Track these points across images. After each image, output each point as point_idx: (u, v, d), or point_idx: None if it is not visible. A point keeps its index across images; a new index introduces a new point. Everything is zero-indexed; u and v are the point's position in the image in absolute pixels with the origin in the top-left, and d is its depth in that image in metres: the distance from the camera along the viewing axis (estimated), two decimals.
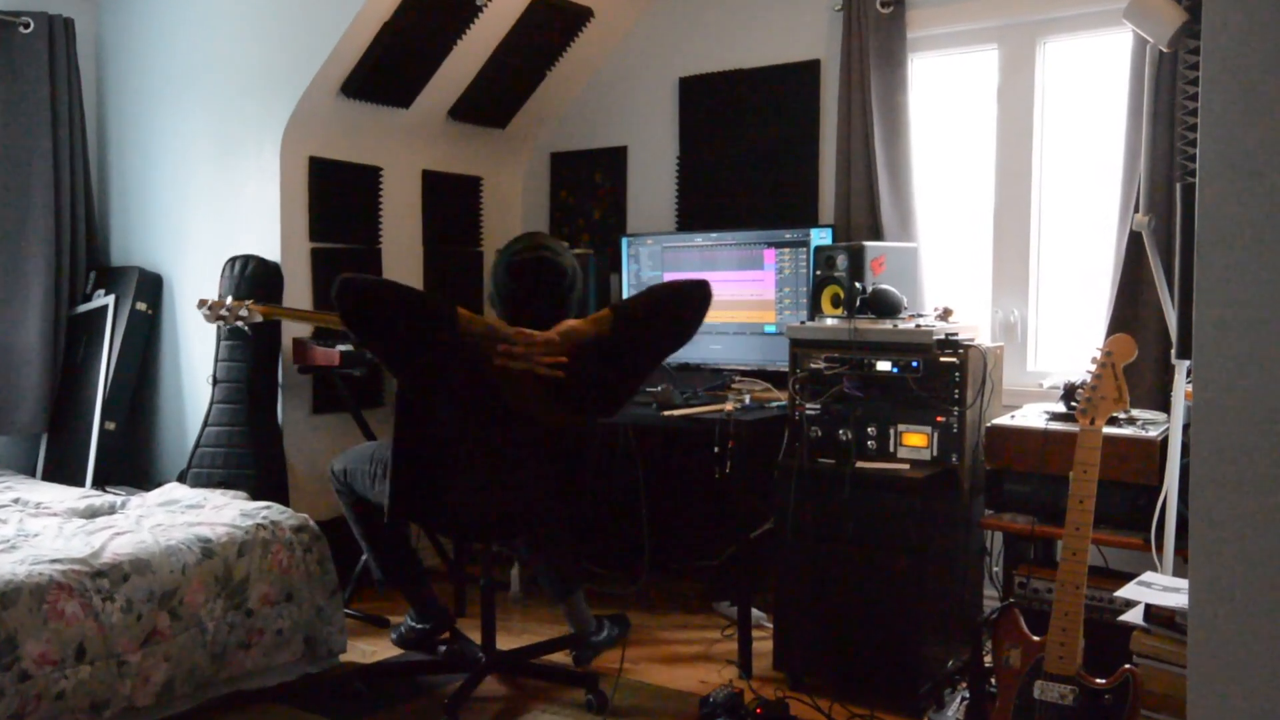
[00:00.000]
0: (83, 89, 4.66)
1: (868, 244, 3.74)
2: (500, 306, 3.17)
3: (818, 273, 3.80)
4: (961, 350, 3.32)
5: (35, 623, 2.76)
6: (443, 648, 3.71)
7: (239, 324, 3.98)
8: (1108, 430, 2.79)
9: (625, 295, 4.64)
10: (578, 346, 2.98)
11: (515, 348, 2.93)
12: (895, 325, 3.42)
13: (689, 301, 3.08)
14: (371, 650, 3.81)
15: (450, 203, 5.02)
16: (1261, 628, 1.29)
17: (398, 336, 2.90)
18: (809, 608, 3.39)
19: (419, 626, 3.58)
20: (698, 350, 4.46)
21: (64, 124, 4.52)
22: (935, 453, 3.35)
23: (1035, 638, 2.67)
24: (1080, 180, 4.00)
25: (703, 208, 4.76)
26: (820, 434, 3.49)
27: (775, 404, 3.84)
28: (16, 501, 3.71)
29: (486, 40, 4.57)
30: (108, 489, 4.17)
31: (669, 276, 4.50)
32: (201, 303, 3.98)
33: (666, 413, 3.75)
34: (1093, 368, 2.73)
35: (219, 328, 4.19)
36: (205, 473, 4.20)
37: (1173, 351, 2.85)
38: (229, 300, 3.96)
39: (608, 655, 3.69)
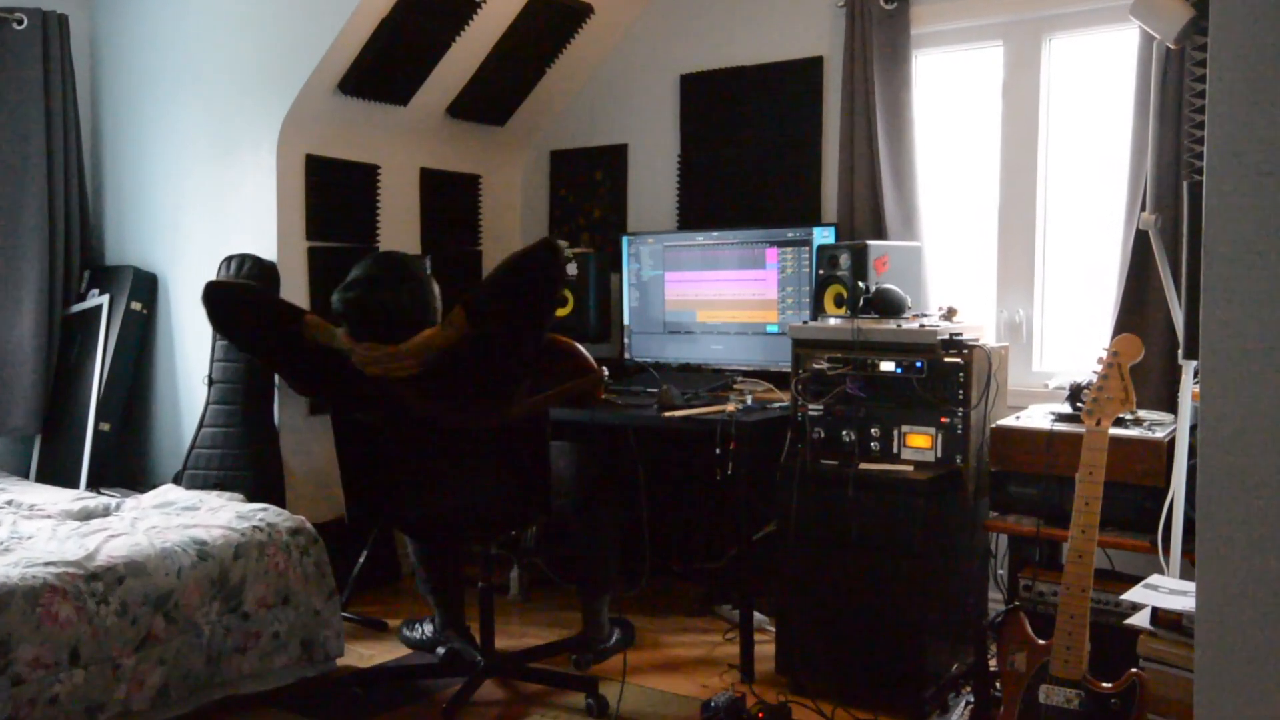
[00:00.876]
0: (77, 86, 4.66)
1: (871, 243, 3.74)
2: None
3: (820, 272, 3.80)
4: (966, 350, 3.32)
5: (29, 626, 2.76)
6: (440, 650, 3.71)
7: None
8: (1114, 431, 2.79)
9: (625, 294, 4.64)
10: (434, 354, 2.94)
11: (366, 360, 2.97)
12: (899, 325, 3.42)
13: (530, 268, 2.88)
14: (369, 654, 3.81)
15: (449, 201, 5.02)
16: (1271, 631, 1.29)
17: (252, 338, 3.17)
18: (812, 611, 3.39)
19: (433, 637, 3.69)
20: (699, 350, 4.46)
21: (58, 122, 4.52)
22: (939, 454, 3.35)
23: (1041, 641, 2.67)
24: (1086, 178, 4.00)
25: (704, 206, 4.76)
26: (823, 435, 3.49)
27: (777, 405, 3.84)
28: (10, 503, 3.71)
29: (485, 37, 4.57)
30: (102, 491, 4.18)
31: (670, 276, 4.51)
32: None
33: (667, 414, 3.75)
34: (1099, 368, 2.73)
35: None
36: (201, 474, 4.20)
37: (1179, 352, 2.85)
38: None
39: (607, 660, 3.69)
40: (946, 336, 3.34)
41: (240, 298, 3.17)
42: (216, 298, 3.08)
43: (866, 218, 4.15)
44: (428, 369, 2.95)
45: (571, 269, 4.63)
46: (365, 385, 3.00)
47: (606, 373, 3.34)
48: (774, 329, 4.25)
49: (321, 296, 4.41)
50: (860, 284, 3.58)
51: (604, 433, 4.34)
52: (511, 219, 5.36)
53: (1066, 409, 3.24)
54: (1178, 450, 2.88)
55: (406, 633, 3.90)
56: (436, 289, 3.20)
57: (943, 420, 3.34)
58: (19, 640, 2.73)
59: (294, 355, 3.10)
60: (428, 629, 3.85)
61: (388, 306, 2.99)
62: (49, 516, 3.54)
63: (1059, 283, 4.07)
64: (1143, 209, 3.57)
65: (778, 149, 4.55)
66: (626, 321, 4.68)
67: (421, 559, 3.76)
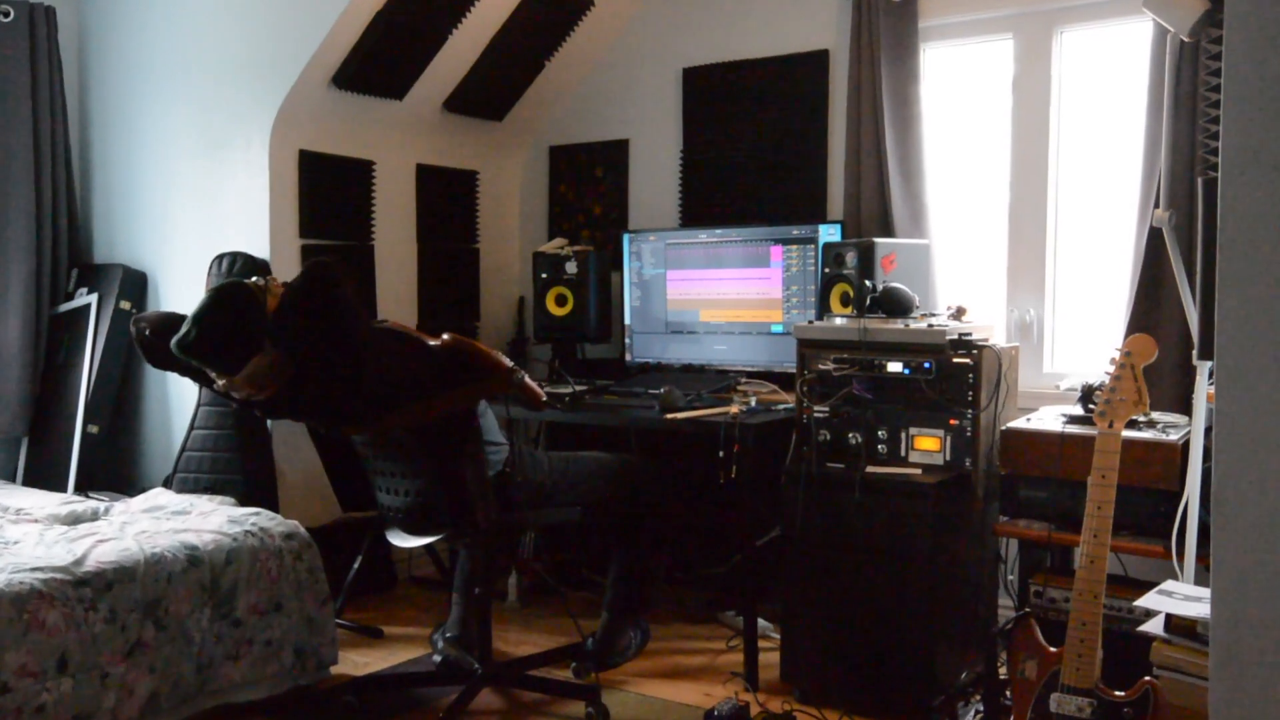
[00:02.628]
0: (65, 80, 4.66)
1: (878, 240, 3.75)
2: None
3: (826, 270, 3.80)
4: (975, 351, 3.32)
5: (15, 633, 2.76)
6: (437, 658, 3.72)
7: None
8: (1127, 434, 2.79)
9: (626, 293, 4.64)
10: (270, 377, 2.93)
11: (219, 387, 3.00)
12: (907, 325, 3.42)
13: (304, 296, 2.86)
14: (364, 662, 3.81)
15: (445, 198, 5.02)
16: None
17: (170, 367, 3.22)
18: (817, 618, 3.39)
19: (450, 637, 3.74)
20: (702, 351, 4.46)
21: (45, 116, 4.52)
22: (948, 457, 3.35)
23: (1052, 649, 2.67)
24: (1098, 174, 4.00)
25: (707, 203, 4.77)
26: (829, 437, 3.49)
27: (782, 406, 3.84)
28: None
29: (483, 29, 4.57)
30: (90, 494, 4.18)
31: (673, 274, 4.51)
32: None
33: (669, 415, 3.76)
34: (1111, 369, 2.73)
35: None
36: (192, 478, 4.20)
37: (1194, 352, 2.84)
38: None
39: (611, 667, 3.69)
40: (955, 336, 3.34)
41: (148, 327, 3.21)
42: (140, 342, 3.21)
43: (873, 215, 4.16)
44: (278, 391, 2.95)
45: (571, 268, 4.63)
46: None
47: (523, 374, 3.22)
48: (779, 329, 4.25)
49: None
50: (867, 283, 3.58)
51: (605, 435, 4.34)
52: (510, 216, 5.36)
53: (1078, 411, 3.24)
54: (1192, 453, 2.88)
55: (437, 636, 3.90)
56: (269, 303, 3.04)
57: (951, 422, 3.34)
58: (5, 648, 2.73)
59: (191, 376, 3.22)
60: (445, 635, 3.84)
61: (204, 345, 2.92)
62: (36, 521, 3.54)
63: (1070, 281, 4.07)
64: (1156, 206, 3.57)
65: (782, 144, 4.55)
66: (627, 321, 4.68)
67: (466, 557, 3.80)
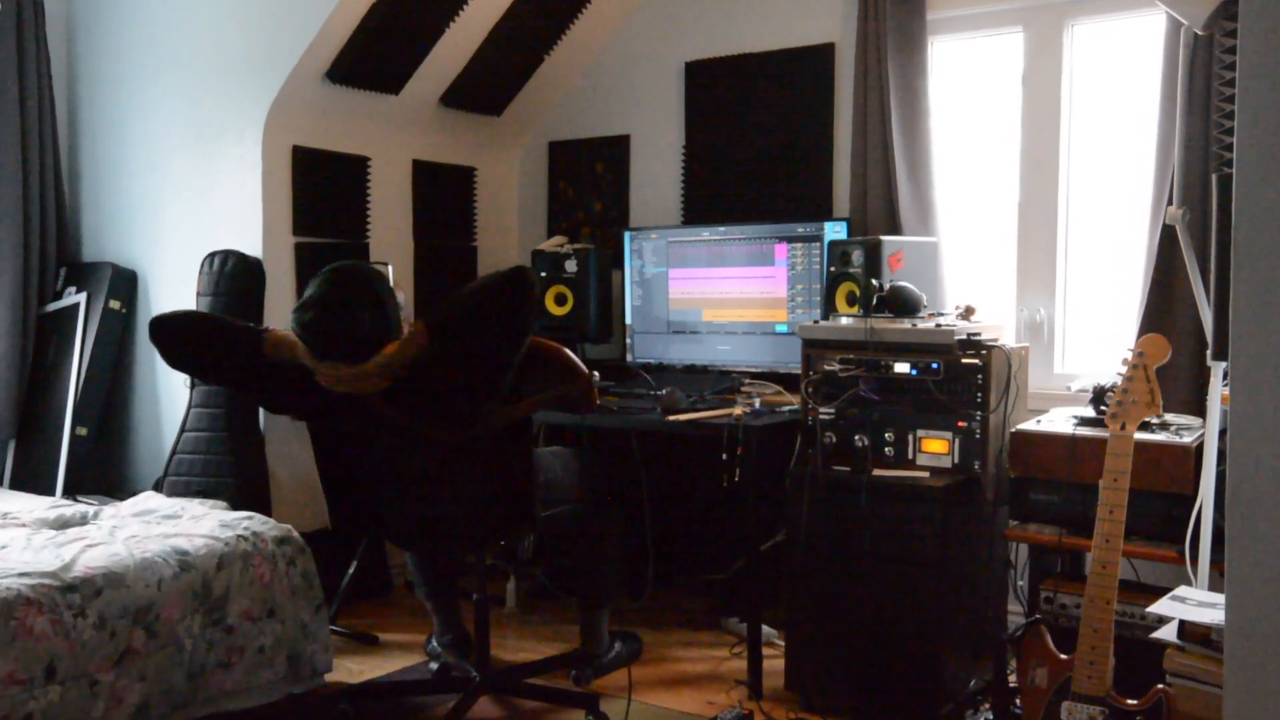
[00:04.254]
0: (53, 74, 4.66)
1: (885, 238, 3.75)
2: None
3: (832, 269, 3.80)
4: (984, 351, 3.32)
5: (2, 640, 2.76)
6: (434, 665, 3.72)
7: None
8: (1139, 436, 2.79)
9: (628, 293, 4.64)
10: (400, 369, 2.96)
11: (330, 379, 2.98)
12: (914, 325, 3.42)
13: (501, 296, 2.95)
14: (358, 669, 3.81)
15: (442, 195, 5.03)
16: None
17: (213, 366, 3.20)
18: (823, 624, 3.39)
19: (442, 648, 3.75)
20: (704, 351, 4.46)
21: (33, 111, 4.52)
22: (956, 460, 3.35)
23: (1063, 656, 2.67)
24: (1110, 171, 4.00)
25: (710, 200, 4.77)
26: (835, 440, 3.49)
27: (787, 408, 3.84)
28: None
29: (481, 22, 4.57)
30: (79, 498, 4.18)
31: (674, 273, 4.51)
32: None
33: (671, 417, 3.76)
34: (1123, 370, 2.73)
35: None
36: (183, 481, 4.21)
37: (1208, 352, 2.85)
38: None
39: (607, 675, 3.69)
40: (964, 336, 3.34)
41: (190, 328, 3.18)
42: (165, 334, 3.12)
43: (880, 212, 4.16)
44: (394, 384, 2.96)
45: (571, 266, 4.64)
46: (336, 399, 3.02)
47: (597, 376, 3.34)
48: (783, 329, 4.25)
49: None
50: (874, 282, 3.58)
51: (606, 437, 4.34)
52: (508, 213, 5.37)
53: (1090, 412, 3.24)
54: (1206, 456, 2.88)
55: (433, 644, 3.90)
56: (401, 297, 3.20)
57: (960, 424, 3.34)
58: None
59: (260, 378, 3.12)
60: (434, 643, 3.86)
61: (346, 330, 2.93)
62: (23, 525, 3.54)
63: (1082, 280, 4.07)
64: (1169, 203, 3.57)
65: (787, 140, 4.55)
66: (628, 321, 4.68)
67: (416, 564, 3.79)
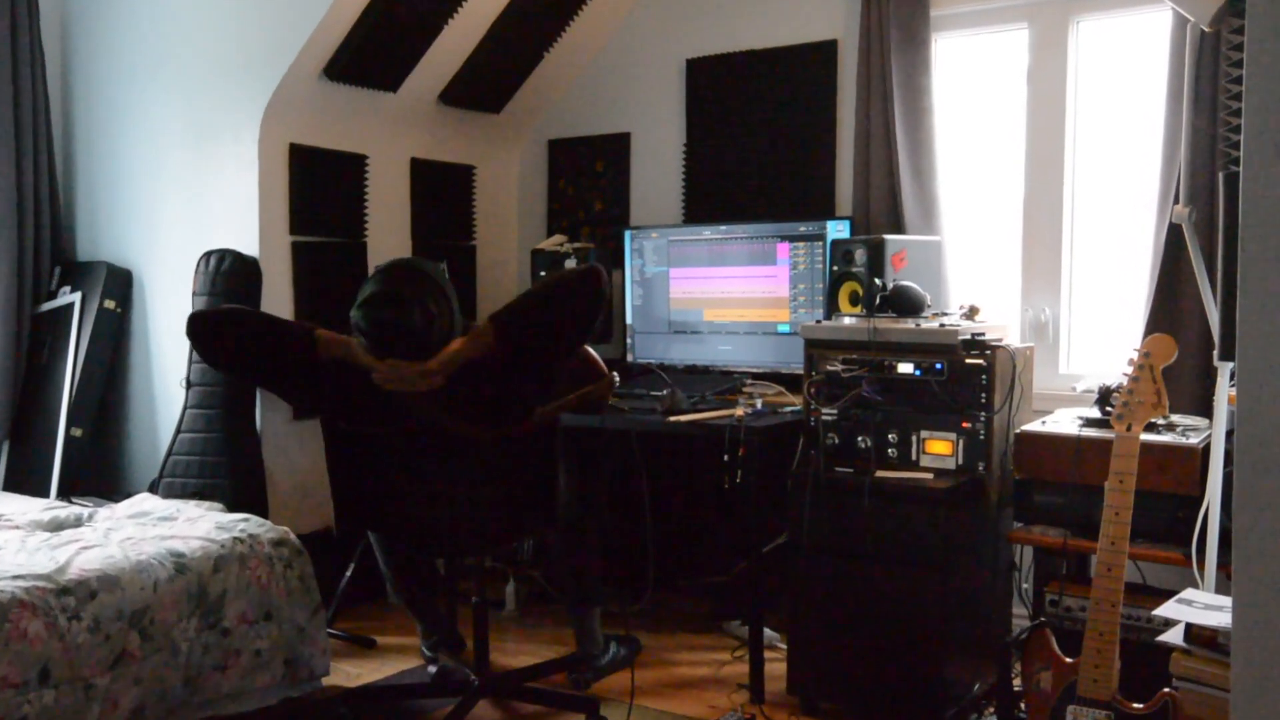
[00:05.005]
0: (47, 71, 4.66)
1: (888, 237, 3.74)
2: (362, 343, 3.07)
3: (834, 268, 3.80)
4: (989, 351, 3.32)
5: None
6: (432, 669, 3.72)
7: None
8: (1145, 437, 2.79)
9: (628, 292, 4.64)
10: (458, 368, 2.98)
11: (388, 377, 2.97)
12: (918, 325, 3.42)
13: (574, 297, 3.00)
14: (356, 673, 3.81)
15: (441, 193, 5.03)
16: None
17: (259, 364, 3.11)
18: (825, 627, 3.39)
19: (429, 653, 3.73)
20: (706, 351, 4.46)
21: (27, 108, 4.52)
22: (960, 461, 3.35)
23: (1068, 659, 2.67)
24: (1116, 169, 4.00)
25: (711, 199, 4.77)
26: (837, 441, 3.49)
27: (789, 409, 3.84)
28: None
29: (480, 19, 4.57)
30: (74, 500, 4.18)
31: (674, 272, 4.51)
32: None
33: (672, 418, 3.76)
34: (1129, 370, 2.73)
35: None
36: (178, 482, 4.21)
37: (1215, 352, 2.85)
38: None
39: (607, 679, 3.69)
40: (968, 336, 3.34)
41: (240, 324, 3.11)
42: (209, 330, 3.04)
43: (883, 211, 4.16)
44: (450, 381, 2.97)
45: (571, 265, 4.64)
46: (380, 399, 3.00)
47: (617, 378, 3.36)
48: (785, 329, 4.25)
49: (306, 294, 4.42)
50: (877, 281, 3.58)
51: (605, 438, 4.34)
52: (508, 212, 5.37)
53: (1095, 413, 3.25)
54: (1213, 457, 2.88)
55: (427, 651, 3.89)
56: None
57: (964, 425, 3.34)
58: None
59: (308, 377, 3.07)
60: (422, 648, 3.86)
61: (412, 326, 2.92)
62: (17, 527, 3.54)
63: (1087, 280, 4.07)
64: (1176, 202, 3.57)
65: (789, 138, 4.55)
66: (629, 321, 4.68)
67: (391, 565, 3.69)
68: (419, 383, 2.95)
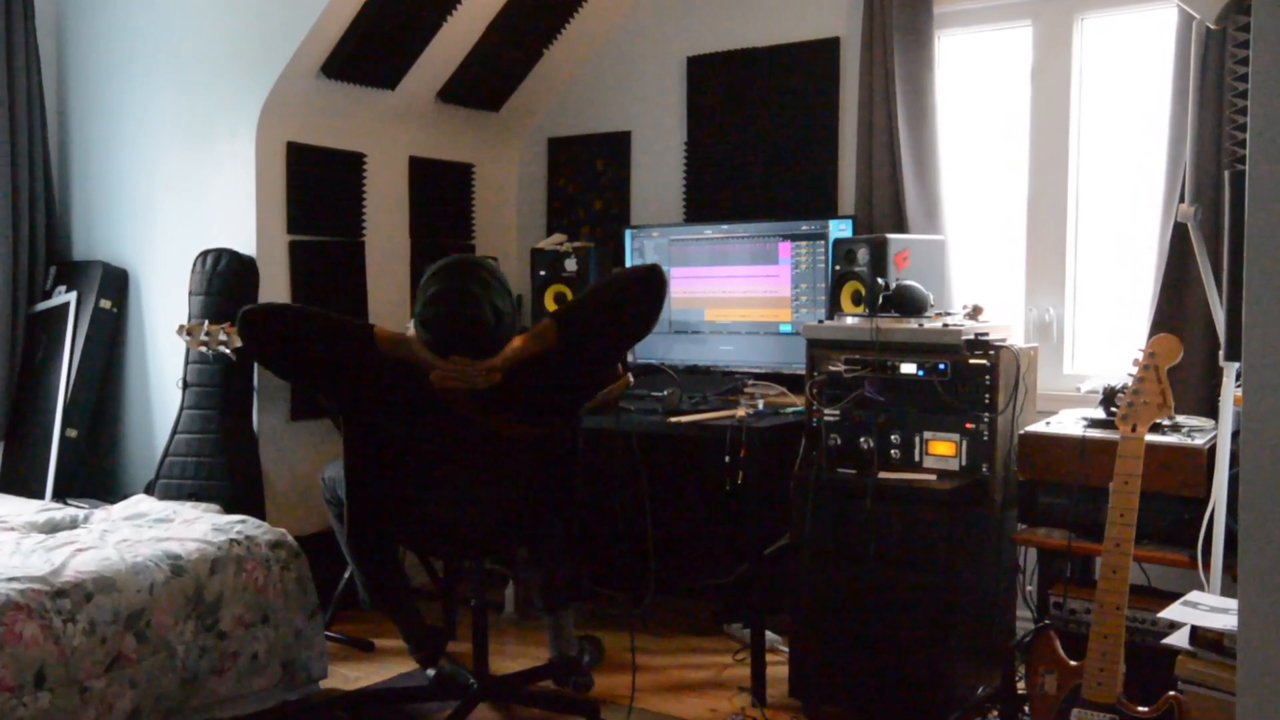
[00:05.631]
0: (42, 69, 4.66)
1: (891, 236, 3.75)
2: (424, 341, 3.06)
3: (837, 268, 3.80)
4: (992, 352, 3.32)
5: None
6: (430, 672, 3.71)
7: (221, 348, 4.01)
8: (1150, 438, 2.79)
9: None
10: (520, 364, 3.00)
11: (450, 375, 2.97)
12: (921, 325, 3.42)
13: (638, 295, 3.06)
14: (354, 676, 3.81)
15: (439, 192, 5.03)
16: None
17: (314, 365, 3.05)
18: (827, 630, 3.39)
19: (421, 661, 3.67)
20: (707, 351, 4.46)
21: (21, 107, 4.52)
22: (964, 462, 3.35)
23: (1072, 662, 2.67)
24: (1121, 167, 4.00)
25: (712, 197, 4.77)
26: (840, 442, 3.49)
27: (791, 409, 3.84)
28: None
29: (479, 16, 4.57)
30: (69, 501, 4.18)
31: (676, 271, 4.51)
32: (181, 329, 4.07)
33: (673, 419, 3.76)
34: (1134, 370, 2.73)
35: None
36: (175, 484, 4.21)
37: (1221, 353, 2.85)
38: (206, 325, 4.02)
39: (608, 682, 3.69)
40: (972, 337, 3.34)
41: (299, 322, 3.05)
42: (264, 327, 2.97)
43: (886, 210, 4.16)
44: (507, 378, 2.99)
45: (570, 265, 4.63)
46: (424, 398, 3.00)
47: (632, 378, 3.38)
48: (787, 329, 4.25)
49: (303, 294, 4.43)
50: (879, 280, 3.58)
51: (605, 439, 4.34)
52: (507, 211, 5.37)
53: (1100, 414, 3.24)
54: (1219, 458, 2.88)
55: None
56: None
57: (967, 426, 3.34)
58: None
59: (364, 376, 3.04)
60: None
61: (489, 323, 2.94)
62: (12, 529, 3.54)
63: (1092, 279, 4.07)
64: (1181, 200, 3.57)
65: (791, 136, 4.55)
66: None
67: (370, 575, 3.59)
68: (479, 380, 2.96)
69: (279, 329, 3.00)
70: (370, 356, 2.98)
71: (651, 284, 3.05)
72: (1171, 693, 2.46)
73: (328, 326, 3.06)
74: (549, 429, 3.20)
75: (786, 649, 3.64)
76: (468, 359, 2.95)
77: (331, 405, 3.26)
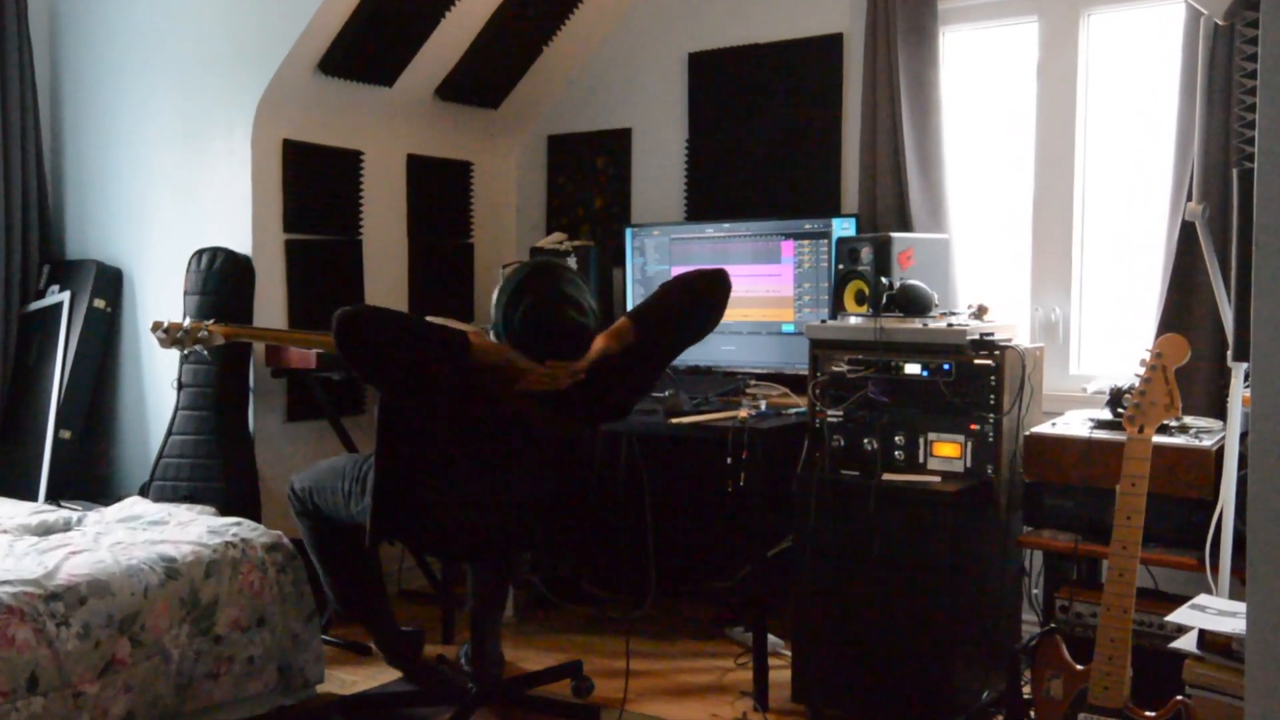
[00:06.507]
0: (35, 66, 4.66)
1: (895, 235, 3.75)
2: (516, 348, 3.04)
3: (840, 267, 3.80)
4: (998, 352, 3.32)
5: None
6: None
7: (197, 348, 3.94)
8: (1158, 439, 2.79)
9: (629, 291, 4.64)
10: (600, 364, 3.05)
11: (543, 379, 3.00)
12: (925, 324, 3.42)
13: (708, 296, 3.17)
14: (351, 680, 3.81)
15: (438, 190, 5.03)
16: None
17: (405, 371, 2.98)
18: (830, 634, 3.39)
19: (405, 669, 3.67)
20: (709, 352, 4.45)
21: (14, 104, 4.52)
22: (969, 464, 3.35)
23: (1078, 666, 2.67)
24: (1127, 165, 4.00)
25: (714, 196, 4.77)
26: (843, 443, 3.49)
27: (794, 410, 3.84)
28: None
29: (478, 12, 4.58)
30: (63, 503, 4.18)
31: (677, 271, 4.51)
32: (156, 326, 3.92)
33: (675, 420, 3.76)
34: (1141, 371, 2.73)
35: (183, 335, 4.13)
36: (170, 485, 4.21)
37: (1229, 353, 2.85)
38: (186, 322, 3.92)
39: (606, 685, 3.69)
40: (976, 337, 3.34)
41: (402, 328, 2.99)
42: (365, 332, 2.90)
43: (890, 208, 4.16)
44: (587, 379, 3.05)
45: (570, 264, 4.64)
46: (495, 401, 3.03)
47: None
48: (790, 328, 4.25)
49: (299, 293, 4.43)
50: (883, 280, 3.58)
51: (606, 440, 4.34)
52: (506, 209, 5.37)
53: (1106, 415, 3.24)
54: (1227, 460, 2.88)
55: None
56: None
57: (972, 427, 3.34)
58: None
59: (454, 383, 3.01)
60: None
61: (586, 327, 2.99)
62: (5, 531, 3.54)
63: (1098, 279, 4.07)
64: (1189, 198, 3.57)
65: (794, 134, 4.55)
66: None
67: (337, 584, 3.58)
68: (564, 382, 3.00)
69: (374, 335, 2.92)
70: (460, 363, 2.95)
71: (723, 286, 3.17)
72: (1179, 697, 2.46)
73: (427, 331, 3.02)
74: (598, 426, 3.32)
75: (789, 653, 3.64)
76: (562, 363, 2.98)
77: (414, 413, 3.17)
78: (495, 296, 3.06)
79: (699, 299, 3.17)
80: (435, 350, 2.95)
